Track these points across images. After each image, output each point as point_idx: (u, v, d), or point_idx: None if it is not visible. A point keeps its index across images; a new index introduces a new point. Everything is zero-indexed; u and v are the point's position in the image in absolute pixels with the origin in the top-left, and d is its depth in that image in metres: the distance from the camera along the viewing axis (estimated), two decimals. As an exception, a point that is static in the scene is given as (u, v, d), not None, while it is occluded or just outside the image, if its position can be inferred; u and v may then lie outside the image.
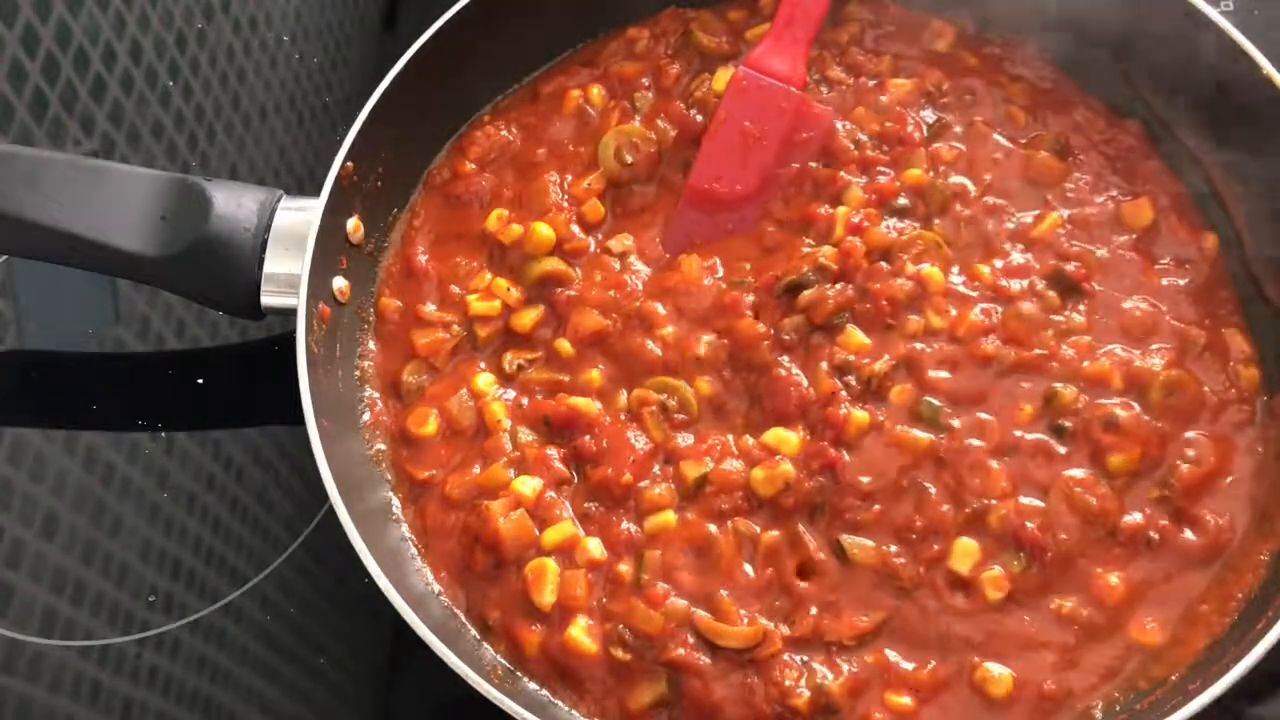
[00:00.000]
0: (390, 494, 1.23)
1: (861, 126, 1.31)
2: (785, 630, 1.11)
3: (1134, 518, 1.13)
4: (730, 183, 1.29)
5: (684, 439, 1.18)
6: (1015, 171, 1.29)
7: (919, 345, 1.18)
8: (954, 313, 1.20)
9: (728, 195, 1.29)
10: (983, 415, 1.16)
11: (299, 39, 1.65)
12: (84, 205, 1.21)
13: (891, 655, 1.10)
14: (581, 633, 1.12)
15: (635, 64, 1.39)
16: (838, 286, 1.20)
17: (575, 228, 1.29)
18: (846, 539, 1.12)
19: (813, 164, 1.30)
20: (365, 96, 1.25)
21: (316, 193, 1.21)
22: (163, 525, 1.33)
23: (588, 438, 1.18)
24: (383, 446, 1.25)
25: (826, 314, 1.19)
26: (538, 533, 1.15)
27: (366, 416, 1.26)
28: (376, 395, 1.27)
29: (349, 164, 1.23)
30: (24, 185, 1.21)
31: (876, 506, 1.13)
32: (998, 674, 1.09)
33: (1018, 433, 1.15)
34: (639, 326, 1.23)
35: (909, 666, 1.10)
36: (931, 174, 1.28)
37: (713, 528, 1.14)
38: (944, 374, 1.17)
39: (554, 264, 1.27)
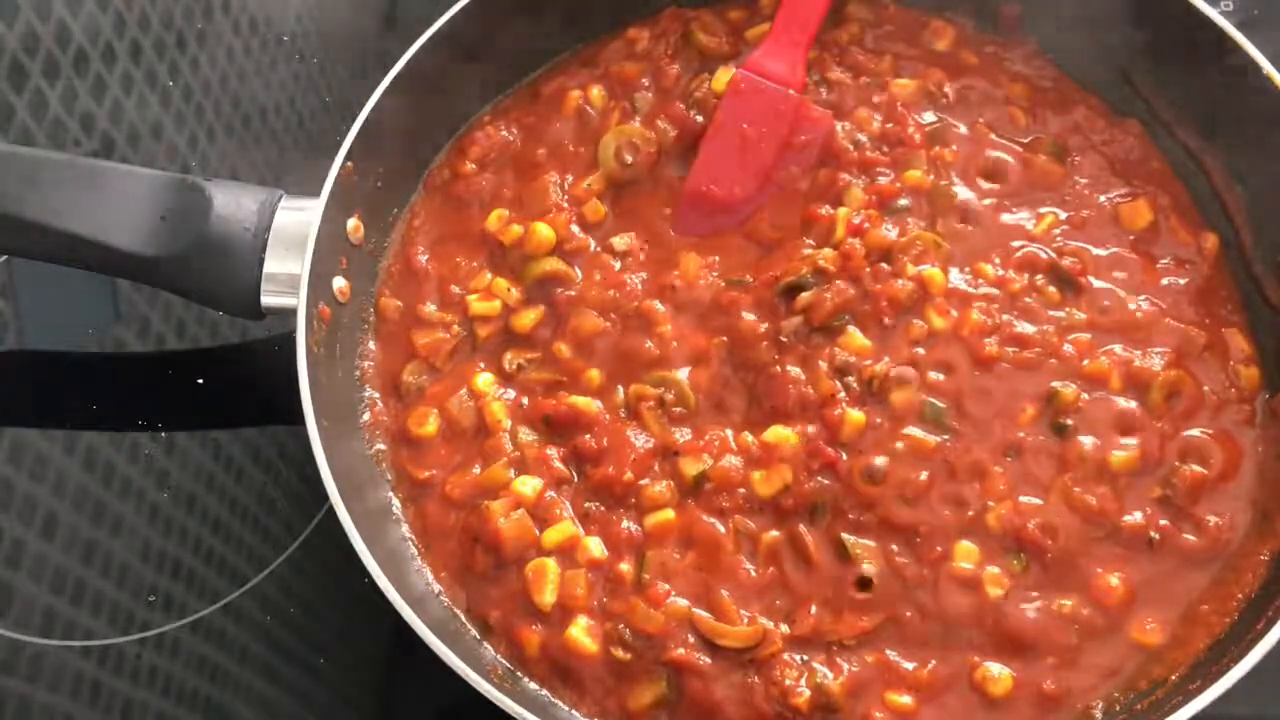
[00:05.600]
0: (390, 494, 1.23)
1: (862, 127, 1.31)
2: (785, 629, 1.11)
3: (1134, 518, 1.13)
4: (728, 185, 1.29)
5: (681, 434, 1.19)
6: (1015, 174, 1.29)
7: (920, 350, 1.18)
8: (955, 314, 1.20)
9: (725, 197, 1.29)
10: (984, 416, 1.16)
11: (299, 39, 1.65)
12: (84, 205, 1.21)
13: (892, 655, 1.10)
14: (582, 632, 1.12)
15: (635, 64, 1.39)
16: (837, 286, 1.20)
17: (575, 228, 1.29)
18: (848, 538, 1.13)
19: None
20: (365, 96, 1.25)
21: (316, 193, 1.21)
22: (163, 525, 1.33)
23: (588, 436, 1.18)
24: (383, 446, 1.25)
25: (825, 316, 1.19)
26: (538, 532, 1.15)
27: (366, 416, 1.26)
28: (376, 395, 1.27)
29: (349, 164, 1.23)
30: (24, 185, 1.21)
31: (878, 507, 1.13)
32: (998, 674, 1.09)
33: (1020, 433, 1.16)
34: (638, 326, 1.23)
35: (909, 666, 1.10)
36: (932, 176, 1.28)
37: (718, 525, 1.14)
38: (945, 375, 1.17)
39: (554, 264, 1.27)
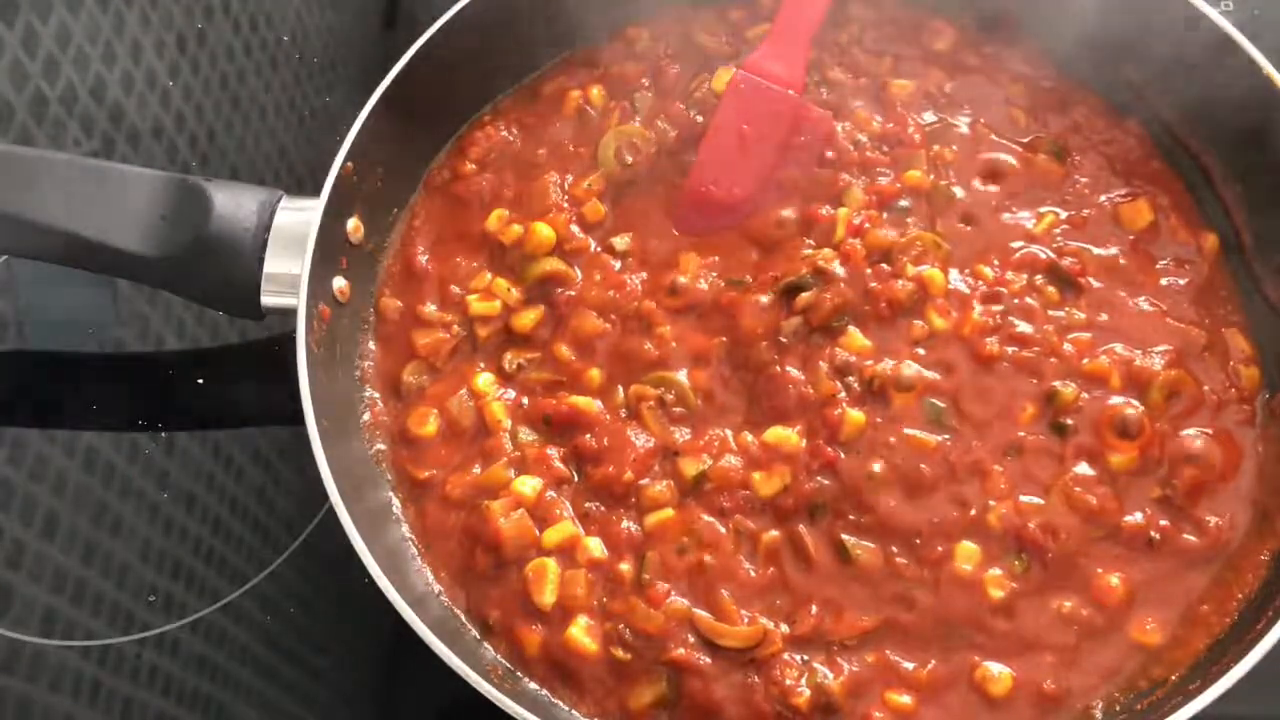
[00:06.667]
0: (390, 494, 1.23)
1: (861, 127, 1.31)
2: (786, 629, 1.11)
3: (1134, 518, 1.13)
4: (728, 185, 1.29)
5: (681, 434, 1.19)
6: (1015, 174, 1.29)
7: (920, 350, 1.18)
8: (955, 314, 1.20)
9: (725, 198, 1.29)
10: (985, 415, 1.16)
11: (299, 39, 1.65)
12: (84, 205, 1.21)
13: (892, 655, 1.10)
14: (582, 632, 1.12)
15: (635, 64, 1.39)
16: (837, 286, 1.20)
17: (575, 228, 1.29)
18: (849, 539, 1.12)
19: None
20: (365, 96, 1.25)
21: (316, 193, 1.21)
22: (163, 525, 1.33)
23: (588, 436, 1.18)
24: (383, 446, 1.25)
25: (824, 316, 1.19)
26: (538, 532, 1.15)
27: (366, 416, 1.26)
28: (376, 395, 1.27)
29: (349, 164, 1.23)
30: (24, 185, 1.21)
31: (878, 508, 1.13)
32: (998, 673, 1.09)
33: (1020, 433, 1.16)
34: (638, 325, 1.23)
35: (909, 666, 1.10)
36: (932, 176, 1.28)
37: (718, 525, 1.14)
38: (945, 375, 1.17)
39: (554, 264, 1.27)
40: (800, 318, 1.20)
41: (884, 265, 1.22)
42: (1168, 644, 1.11)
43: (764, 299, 1.21)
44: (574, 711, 1.12)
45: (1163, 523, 1.13)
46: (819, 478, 1.14)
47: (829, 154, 1.29)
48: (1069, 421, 1.16)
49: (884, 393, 1.16)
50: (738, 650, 1.09)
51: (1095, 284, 1.23)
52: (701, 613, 1.11)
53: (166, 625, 1.29)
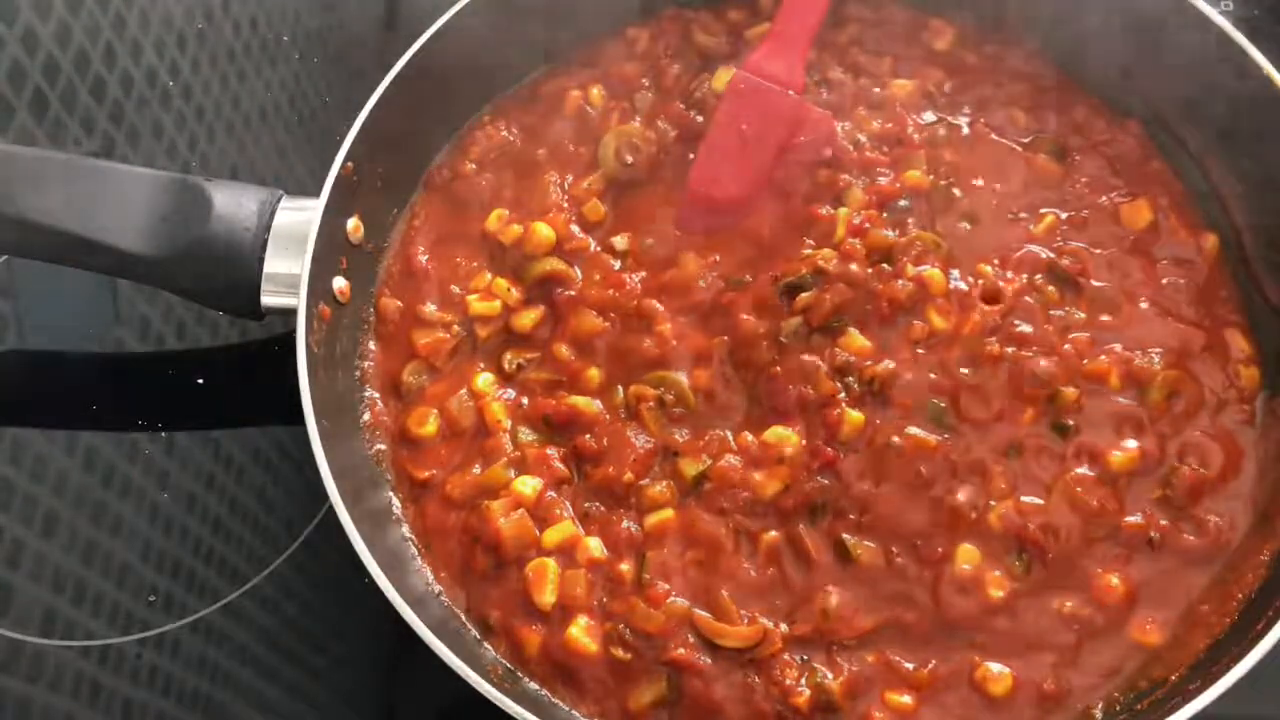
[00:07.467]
0: (390, 494, 1.23)
1: (861, 127, 1.31)
2: (785, 629, 1.11)
3: (1134, 518, 1.13)
4: (728, 185, 1.29)
5: (681, 434, 1.19)
6: (1015, 173, 1.29)
7: (920, 350, 1.18)
8: (955, 314, 1.20)
9: (724, 198, 1.29)
10: (985, 415, 1.16)
11: (299, 39, 1.65)
12: (84, 205, 1.21)
13: (892, 654, 1.10)
14: (582, 632, 1.12)
15: (635, 64, 1.39)
16: (837, 286, 1.20)
17: (575, 228, 1.29)
18: (850, 538, 1.12)
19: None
20: (365, 96, 1.25)
21: (316, 193, 1.21)
22: (163, 525, 1.33)
23: (588, 436, 1.18)
24: (383, 446, 1.25)
25: (824, 316, 1.19)
26: (538, 532, 1.15)
27: (366, 416, 1.26)
28: (376, 395, 1.27)
29: (349, 164, 1.23)
30: (24, 185, 1.21)
31: (878, 507, 1.13)
32: (998, 673, 1.09)
33: (1021, 433, 1.15)
34: (638, 325, 1.23)
35: (909, 666, 1.10)
36: (931, 176, 1.28)
37: (718, 526, 1.14)
38: (945, 375, 1.17)
39: (554, 264, 1.27)
40: (800, 318, 1.20)
41: (884, 265, 1.22)
42: (1168, 644, 1.11)
43: (764, 299, 1.21)
44: (574, 711, 1.12)
45: (1163, 523, 1.13)
46: (819, 477, 1.14)
47: (829, 154, 1.30)
48: (1069, 421, 1.16)
49: (884, 393, 1.16)
50: (738, 650, 1.10)
51: (1095, 284, 1.23)
52: (701, 613, 1.11)
53: (166, 625, 1.29)
